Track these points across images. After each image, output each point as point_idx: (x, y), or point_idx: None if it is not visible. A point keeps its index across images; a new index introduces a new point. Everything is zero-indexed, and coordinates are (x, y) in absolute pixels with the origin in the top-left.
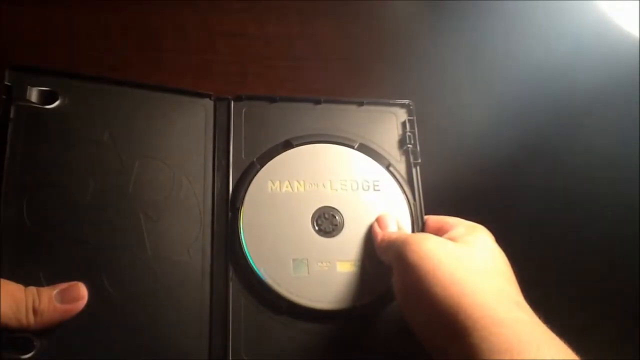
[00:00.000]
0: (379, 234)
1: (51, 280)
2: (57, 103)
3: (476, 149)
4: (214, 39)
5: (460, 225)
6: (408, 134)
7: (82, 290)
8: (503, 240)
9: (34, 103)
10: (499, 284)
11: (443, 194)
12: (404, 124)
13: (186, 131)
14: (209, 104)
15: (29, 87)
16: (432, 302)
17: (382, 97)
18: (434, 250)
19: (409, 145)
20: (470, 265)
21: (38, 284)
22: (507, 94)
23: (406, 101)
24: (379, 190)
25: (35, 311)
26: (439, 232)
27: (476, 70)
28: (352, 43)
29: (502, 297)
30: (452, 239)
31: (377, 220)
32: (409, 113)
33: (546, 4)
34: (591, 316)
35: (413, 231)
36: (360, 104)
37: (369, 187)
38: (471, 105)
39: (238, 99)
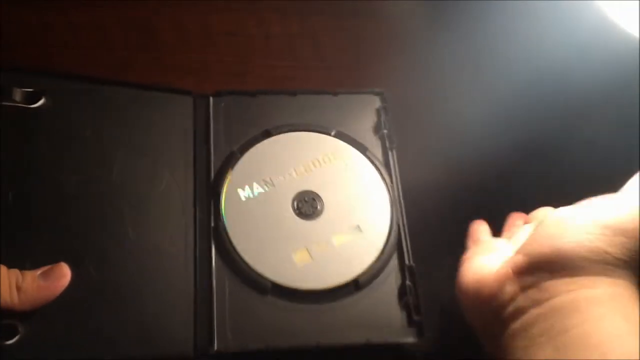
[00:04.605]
0: None
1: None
2: (40, 102)
3: (475, 149)
4: (214, 39)
5: None
6: (383, 120)
7: (64, 269)
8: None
9: (18, 103)
10: None
11: (442, 193)
12: (378, 111)
13: (167, 127)
14: (189, 100)
15: (13, 88)
16: None
17: None
18: None
19: (384, 131)
20: None
21: None
22: (506, 94)
23: (379, 90)
24: (357, 175)
25: (19, 288)
26: None
27: (475, 69)
28: (351, 42)
29: None
30: None
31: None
32: (383, 100)
33: (546, 3)
34: None
35: (392, 212)
36: (335, 93)
37: (347, 170)
38: (470, 105)
39: (217, 94)
